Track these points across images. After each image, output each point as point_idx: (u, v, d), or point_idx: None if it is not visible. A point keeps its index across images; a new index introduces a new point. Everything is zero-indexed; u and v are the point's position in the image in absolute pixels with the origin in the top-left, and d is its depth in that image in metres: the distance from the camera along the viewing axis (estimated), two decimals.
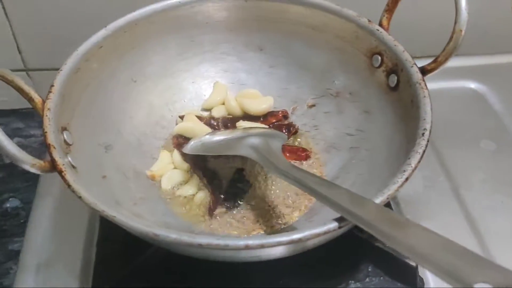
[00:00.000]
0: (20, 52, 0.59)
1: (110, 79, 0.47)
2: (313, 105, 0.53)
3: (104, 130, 0.46)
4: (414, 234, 0.30)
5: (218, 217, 0.45)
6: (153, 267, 0.43)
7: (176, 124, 0.52)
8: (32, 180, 0.53)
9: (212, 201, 0.46)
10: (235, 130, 0.49)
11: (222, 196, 0.47)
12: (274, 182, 0.48)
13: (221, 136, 0.48)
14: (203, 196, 0.47)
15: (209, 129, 0.51)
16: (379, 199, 0.33)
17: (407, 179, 0.35)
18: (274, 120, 0.53)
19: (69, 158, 0.38)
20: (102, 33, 0.46)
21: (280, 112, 0.54)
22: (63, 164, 0.36)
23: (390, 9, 0.46)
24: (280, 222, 0.45)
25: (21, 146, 0.35)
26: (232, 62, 0.55)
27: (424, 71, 0.42)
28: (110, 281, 0.43)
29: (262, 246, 0.31)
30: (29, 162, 0.35)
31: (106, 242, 0.45)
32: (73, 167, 0.38)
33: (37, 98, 0.39)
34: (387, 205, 0.38)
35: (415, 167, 0.35)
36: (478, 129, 0.59)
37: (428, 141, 0.37)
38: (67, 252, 0.46)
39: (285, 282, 0.43)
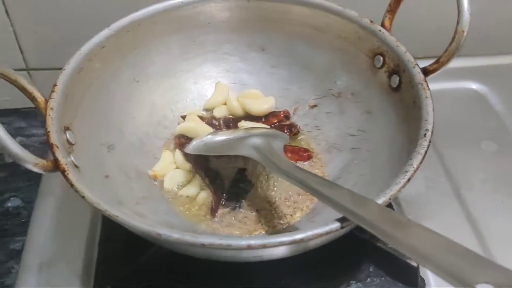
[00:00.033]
0: (21, 52, 0.59)
1: (112, 79, 0.47)
2: (315, 106, 0.53)
3: (106, 130, 0.46)
4: (416, 234, 0.30)
5: (220, 217, 0.45)
6: (155, 266, 0.43)
7: (178, 124, 0.52)
8: (33, 179, 0.53)
9: (214, 201, 0.46)
10: (237, 130, 0.49)
11: (224, 196, 0.47)
12: (276, 183, 0.48)
13: (223, 136, 0.48)
14: (205, 196, 0.47)
15: (211, 129, 0.51)
16: (381, 200, 0.33)
17: (409, 179, 0.35)
18: (275, 121, 0.53)
19: (72, 158, 0.38)
20: (105, 32, 0.46)
21: (281, 113, 0.54)
22: (66, 164, 0.36)
23: (392, 9, 0.46)
24: (281, 222, 0.45)
25: (23, 145, 0.35)
26: (234, 63, 0.55)
27: (426, 71, 0.42)
28: (112, 280, 0.43)
29: (264, 246, 0.31)
30: (32, 162, 0.35)
31: (108, 241, 0.45)
32: (76, 166, 0.38)
33: (40, 98, 0.39)
34: (389, 205, 0.38)
35: (417, 168, 0.35)
36: (479, 130, 0.59)
37: (430, 141, 0.37)
38: (69, 252, 0.46)
39: (287, 282, 0.43)
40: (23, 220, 0.50)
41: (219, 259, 0.37)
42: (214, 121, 0.53)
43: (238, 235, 0.44)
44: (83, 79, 0.44)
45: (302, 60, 0.53)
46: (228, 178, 0.48)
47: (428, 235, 0.29)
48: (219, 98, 0.55)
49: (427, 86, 0.41)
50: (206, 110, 0.55)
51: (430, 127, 0.38)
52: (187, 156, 0.49)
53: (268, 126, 0.52)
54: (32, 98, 0.39)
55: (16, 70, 0.39)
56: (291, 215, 0.46)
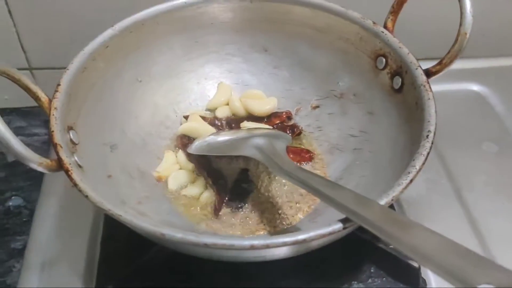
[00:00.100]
0: (24, 51, 0.59)
1: (115, 79, 0.48)
2: (317, 106, 0.53)
3: (109, 129, 0.46)
4: (418, 235, 0.30)
5: (223, 217, 0.45)
6: (157, 266, 0.43)
7: (181, 124, 0.53)
8: (35, 178, 0.53)
9: (217, 201, 0.46)
10: (239, 131, 0.49)
11: (227, 196, 0.47)
12: (278, 183, 0.48)
13: (225, 136, 0.48)
14: (208, 196, 0.47)
15: (213, 130, 0.51)
16: (383, 201, 0.33)
17: (411, 180, 0.35)
18: (277, 121, 0.53)
19: (75, 157, 0.38)
20: (109, 32, 0.46)
21: (284, 113, 0.54)
22: (70, 163, 0.36)
23: (395, 11, 0.46)
24: (284, 222, 0.45)
25: (24, 144, 0.35)
26: (237, 63, 0.55)
27: (428, 73, 0.42)
28: (114, 280, 0.43)
29: (267, 246, 0.31)
30: (36, 161, 0.36)
31: (110, 241, 0.46)
32: (79, 166, 0.38)
33: (43, 97, 0.39)
34: (390, 206, 0.38)
35: (420, 169, 0.36)
36: (480, 131, 0.59)
37: (432, 143, 0.37)
38: (71, 251, 0.46)
39: (288, 282, 0.43)
40: (24, 219, 0.50)
41: (221, 259, 0.37)
42: (216, 122, 0.53)
43: (240, 235, 0.44)
44: (87, 79, 0.44)
45: (305, 61, 0.53)
46: (230, 179, 0.48)
47: (429, 236, 0.29)
48: (221, 99, 0.55)
49: (430, 87, 0.41)
50: (209, 110, 0.55)
51: (432, 128, 0.38)
52: (189, 156, 0.49)
53: (271, 127, 0.52)
54: (36, 98, 0.39)
55: (18, 69, 0.39)
56: (293, 215, 0.46)
